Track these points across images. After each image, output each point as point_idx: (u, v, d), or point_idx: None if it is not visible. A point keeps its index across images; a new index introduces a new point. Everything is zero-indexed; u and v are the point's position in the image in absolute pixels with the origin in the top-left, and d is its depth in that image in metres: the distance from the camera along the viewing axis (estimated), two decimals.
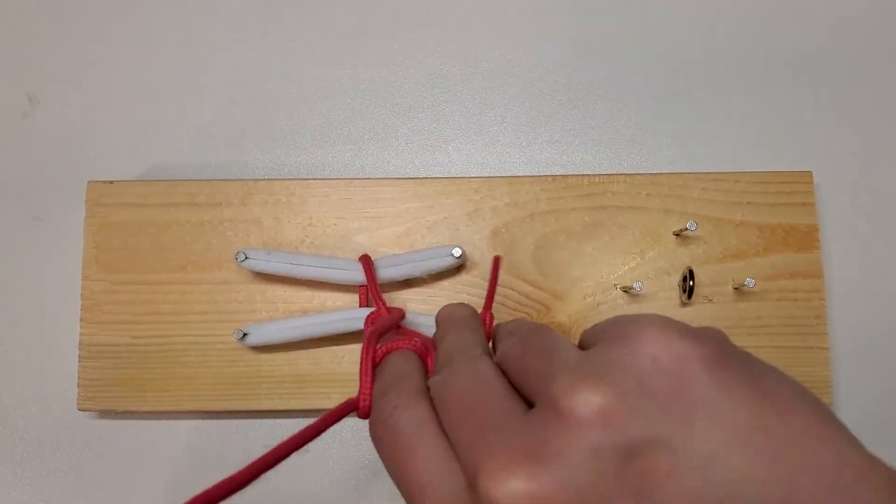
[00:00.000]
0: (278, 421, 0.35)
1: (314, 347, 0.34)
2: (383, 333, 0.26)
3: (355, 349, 0.33)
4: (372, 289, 0.32)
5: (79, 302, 0.34)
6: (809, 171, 0.35)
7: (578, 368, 0.19)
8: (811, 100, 0.37)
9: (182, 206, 0.35)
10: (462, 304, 0.26)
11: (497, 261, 0.32)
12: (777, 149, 0.37)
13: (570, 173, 0.35)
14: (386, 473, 0.22)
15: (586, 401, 0.18)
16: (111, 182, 0.35)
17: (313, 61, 0.38)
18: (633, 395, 0.18)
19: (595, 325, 0.22)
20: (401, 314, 0.30)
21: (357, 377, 0.33)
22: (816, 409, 0.18)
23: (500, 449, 0.18)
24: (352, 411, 0.24)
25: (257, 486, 0.21)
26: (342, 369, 0.33)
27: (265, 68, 0.38)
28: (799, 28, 0.38)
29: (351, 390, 0.33)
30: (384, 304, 0.31)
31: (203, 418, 0.35)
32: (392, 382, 0.23)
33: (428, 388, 0.22)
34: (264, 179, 0.35)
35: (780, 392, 0.19)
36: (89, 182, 0.35)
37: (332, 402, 0.33)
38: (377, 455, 0.22)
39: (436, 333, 0.25)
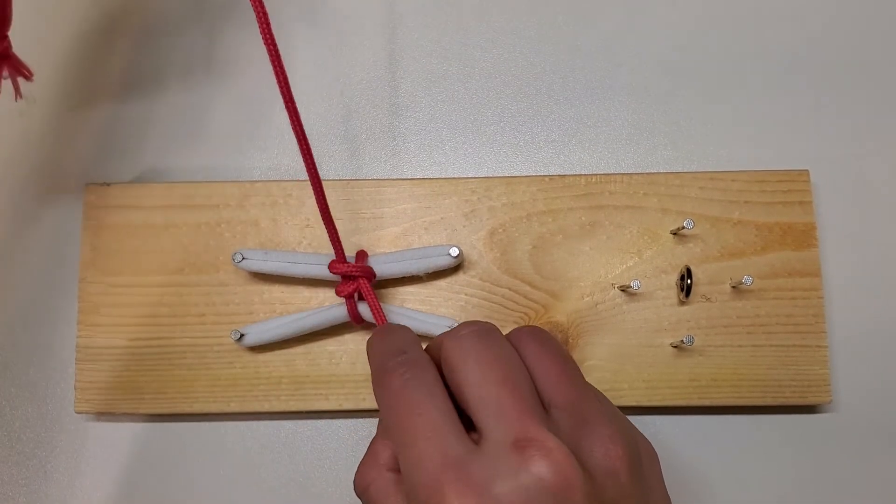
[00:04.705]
0: (276, 423, 0.35)
1: (311, 347, 0.34)
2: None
3: (353, 350, 0.33)
4: (331, 232, 0.31)
5: (76, 304, 0.34)
6: (806, 170, 0.35)
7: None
8: (808, 98, 0.37)
9: (179, 209, 0.35)
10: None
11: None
12: (774, 147, 0.37)
13: (567, 173, 0.35)
14: None
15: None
16: (108, 184, 0.35)
17: (309, 61, 0.38)
18: None
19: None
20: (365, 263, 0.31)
21: (354, 379, 0.33)
22: None
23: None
24: None
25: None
26: (340, 370, 0.33)
27: (261, 69, 0.38)
28: (795, 27, 0.38)
29: (349, 391, 0.33)
30: (342, 251, 0.31)
31: (200, 420, 0.35)
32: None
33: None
34: (261, 181, 0.35)
35: None
36: (86, 184, 0.35)
37: (329, 403, 0.33)
38: None
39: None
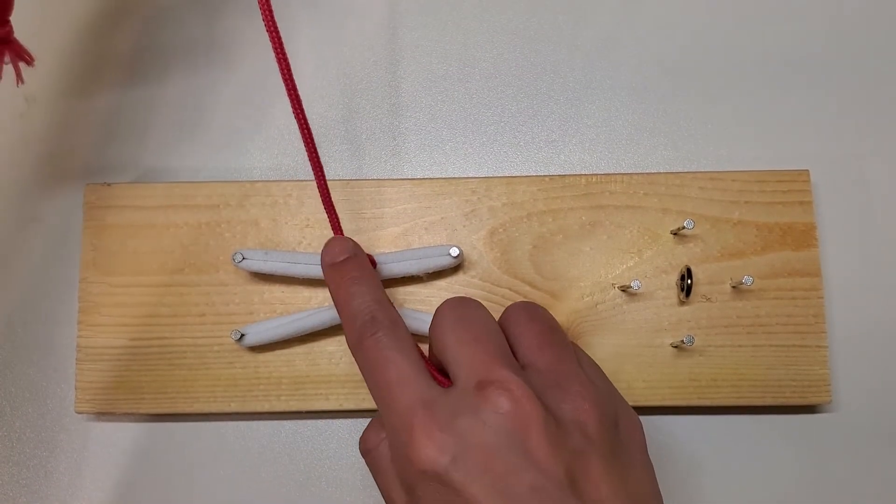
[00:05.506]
0: (276, 422, 0.35)
1: (311, 347, 0.34)
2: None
3: None
4: (327, 205, 0.30)
5: (76, 304, 0.34)
6: (806, 170, 0.35)
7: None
8: (808, 98, 0.37)
9: (179, 209, 0.35)
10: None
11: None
12: (774, 148, 0.37)
13: (567, 173, 0.35)
14: None
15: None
16: (109, 184, 0.35)
17: (310, 62, 0.38)
18: None
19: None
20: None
21: (354, 379, 0.33)
22: None
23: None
24: None
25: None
26: (340, 370, 0.33)
27: (262, 69, 0.38)
28: (795, 27, 0.38)
29: (349, 391, 0.33)
30: (339, 224, 0.30)
31: (200, 420, 0.35)
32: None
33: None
34: (261, 181, 0.35)
35: None
36: (87, 184, 0.35)
37: (329, 403, 0.33)
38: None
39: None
